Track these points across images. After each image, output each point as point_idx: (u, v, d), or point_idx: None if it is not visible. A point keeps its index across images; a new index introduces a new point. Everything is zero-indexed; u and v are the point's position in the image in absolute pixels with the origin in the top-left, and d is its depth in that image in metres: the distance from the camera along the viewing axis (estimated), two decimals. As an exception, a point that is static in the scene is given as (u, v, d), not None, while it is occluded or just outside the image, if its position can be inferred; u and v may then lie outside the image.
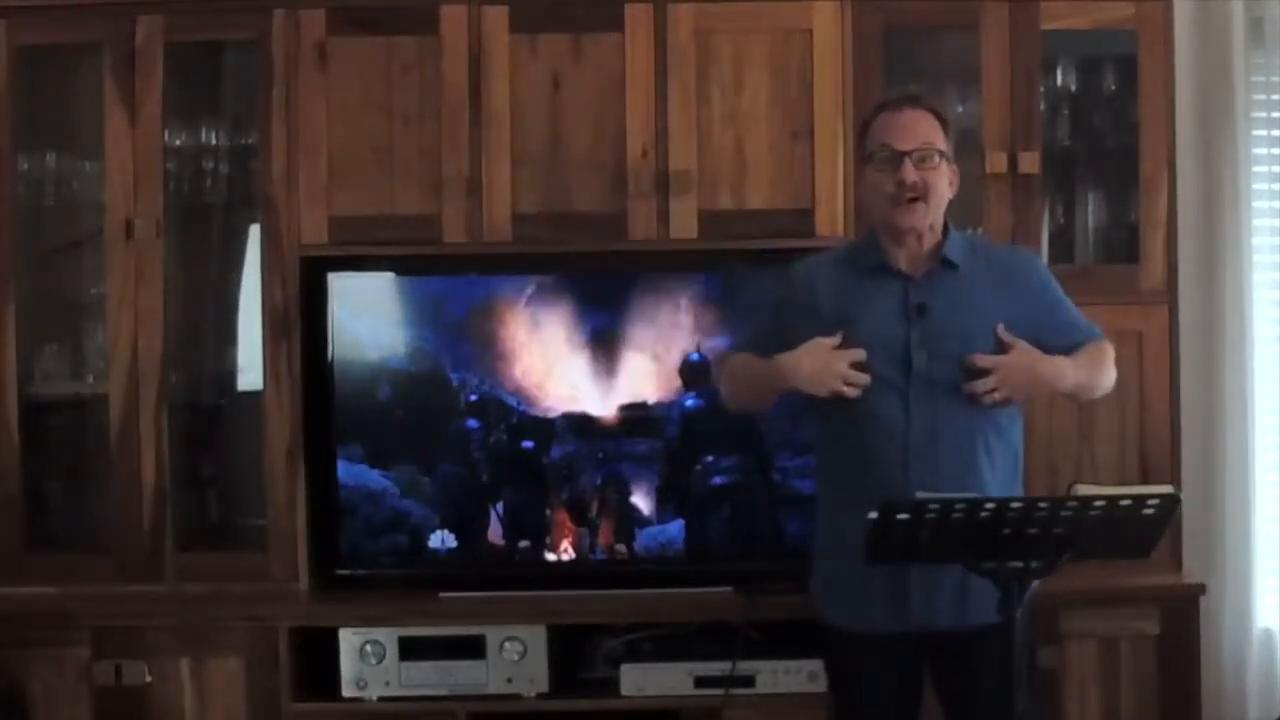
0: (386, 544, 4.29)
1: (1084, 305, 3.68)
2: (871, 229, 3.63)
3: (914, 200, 3.48)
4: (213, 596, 4.21)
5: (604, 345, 4.28)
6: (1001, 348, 3.50)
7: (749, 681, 4.10)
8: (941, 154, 3.51)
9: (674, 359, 4.26)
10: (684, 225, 4.22)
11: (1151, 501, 3.21)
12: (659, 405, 4.27)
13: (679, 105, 4.22)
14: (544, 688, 4.13)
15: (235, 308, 4.40)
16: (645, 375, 4.27)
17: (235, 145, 4.42)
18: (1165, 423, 4.23)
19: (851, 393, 3.47)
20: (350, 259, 4.28)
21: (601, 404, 4.28)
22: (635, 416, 4.27)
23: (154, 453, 4.26)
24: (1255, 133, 4.53)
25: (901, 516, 3.16)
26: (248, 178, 4.38)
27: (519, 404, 4.28)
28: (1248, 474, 4.50)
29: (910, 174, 3.48)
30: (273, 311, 4.26)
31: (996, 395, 3.47)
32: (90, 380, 4.37)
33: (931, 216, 3.53)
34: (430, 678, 4.13)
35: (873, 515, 3.16)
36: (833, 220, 4.20)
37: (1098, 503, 3.21)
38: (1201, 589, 4.19)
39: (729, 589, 4.15)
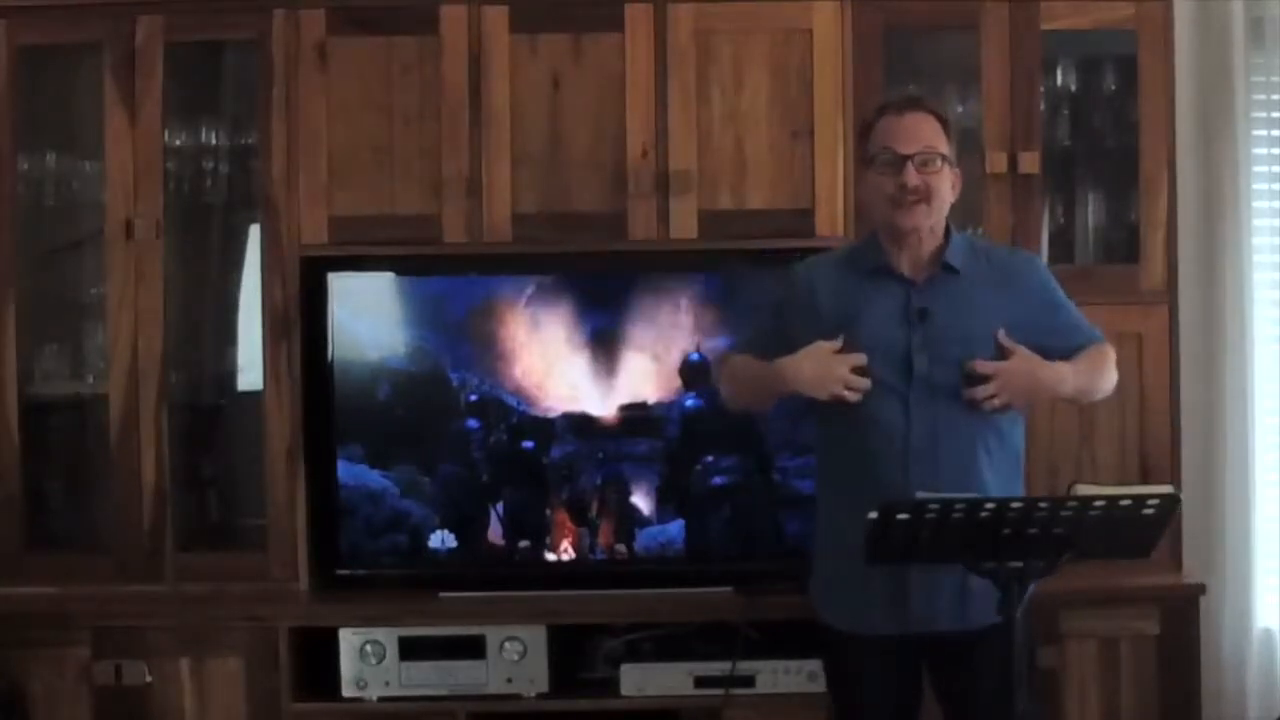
0: (386, 544, 4.29)
1: (1084, 305, 3.67)
2: (873, 231, 3.63)
3: (916, 201, 3.48)
4: (213, 596, 4.21)
5: (604, 345, 4.27)
6: (1002, 353, 3.50)
7: (749, 681, 4.10)
8: (944, 157, 3.51)
9: (674, 359, 4.26)
10: (684, 225, 4.22)
11: (1151, 501, 3.21)
12: (659, 405, 4.27)
13: (679, 105, 4.23)
14: (544, 688, 4.13)
15: (235, 308, 4.40)
16: (645, 375, 4.27)
17: (235, 145, 4.42)
18: (1165, 423, 4.23)
19: (852, 397, 3.47)
20: (350, 259, 4.28)
21: (601, 404, 4.28)
22: (635, 416, 4.27)
23: (154, 453, 4.26)
24: (1255, 133, 4.53)
25: (901, 517, 3.16)
26: (248, 178, 4.38)
27: (519, 404, 4.28)
28: (1248, 474, 4.50)
29: (912, 177, 3.47)
30: (273, 311, 4.26)
31: (996, 401, 3.47)
32: (90, 380, 4.37)
33: (933, 218, 3.52)
34: (430, 678, 4.13)
35: (873, 515, 3.16)
36: (833, 220, 4.20)
37: (1098, 503, 3.21)
38: (1201, 589, 4.19)
39: (729, 589, 4.15)
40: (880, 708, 3.59)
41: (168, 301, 4.28)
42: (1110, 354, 3.63)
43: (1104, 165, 4.37)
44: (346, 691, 4.14)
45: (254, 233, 4.32)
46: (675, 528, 4.29)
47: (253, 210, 4.33)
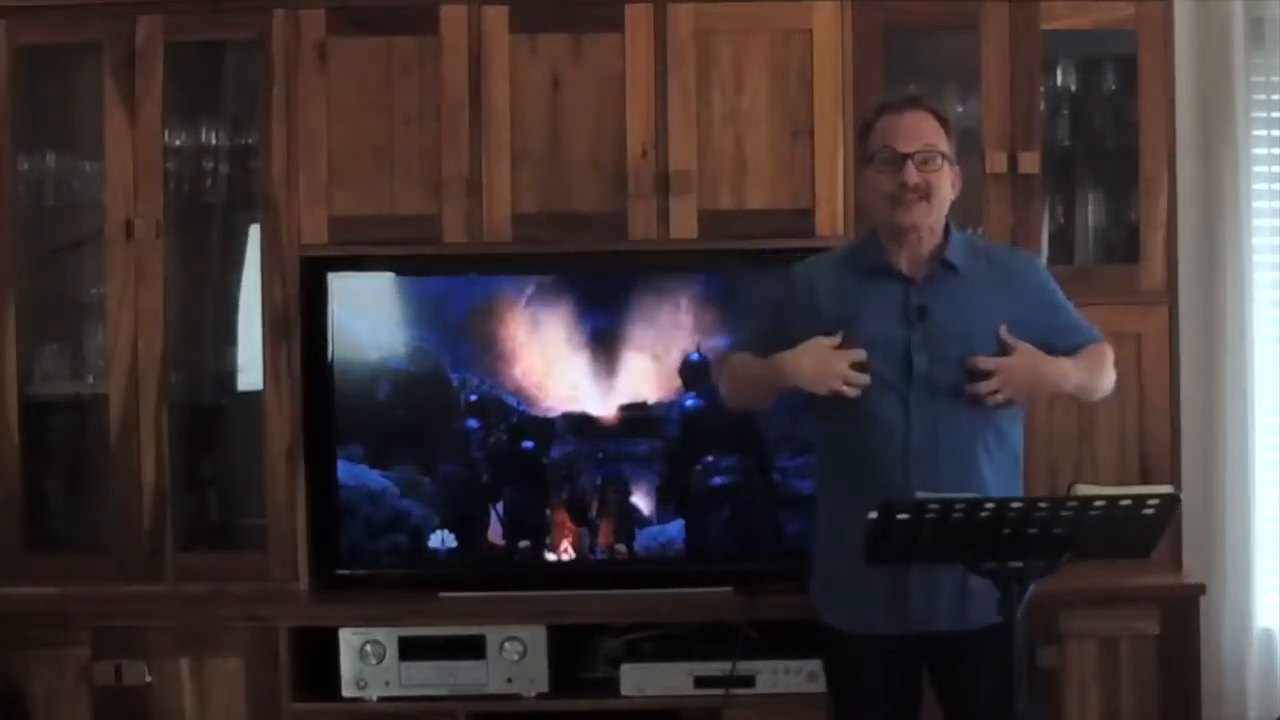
0: (386, 544, 4.29)
1: (1084, 305, 3.68)
2: (872, 230, 3.63)
3: (916, 200, 3.48)
4: (213, 596, 4.21)
5: (604, 345, 4.27)
6: (1003, 349, 3.50)
7: (749, 681, 4.10)
8: (944, 156, 3.51)
9: (674, 359, 4.26)
10: (684, 225, 4.22)
11: (1151, 501, 3.21)
12: (659, 405, 4.27)
13: (679, 105, 4.23)
14: (544, 688, 4.13)
15: (235, 308, 4.40)
16: (645, 375, 4.27)
17: (235, 145, 4.42)
18: (1165, 423, 4.23)
19: (851, 392, 3.47)
20: (350, 259, 4.28)
21: (601, 404, 4.28)
22: (635, 416, 4.27)
23: (154, 453, 4.26)
24: (1255, 133, 4.53)
25: (901, 516, 3.16)
26: (248, 178, 4.38)
27: (519, 404, 4.28)
28: (1248, 474, 4.50)
29: (912, 175, 3.47)
30: (273, 311, 4.26)
31: (999, 397, 3.47)
32: (90, 380, 4.37)
33: (933, 216, 3.52)
34: (430, 678, 4.13)
35: (873, 515, 3.16)
36: (833, 220, 4.20)
37: (1098, 503, 3.21)
38: (1201, 589, 4.19)
39: (729, 589, 4.15)
40: (880, 708, 3.59)
41: (168, 301, 4.28)
42: (1109, 354, 3.63)
43: (1104, 165, 4.37)
44: (346, 691, 4.14)
45: (254, 233, 4.32)
46: (675, 528, 4.29)
47: (253, 210, 4.33)
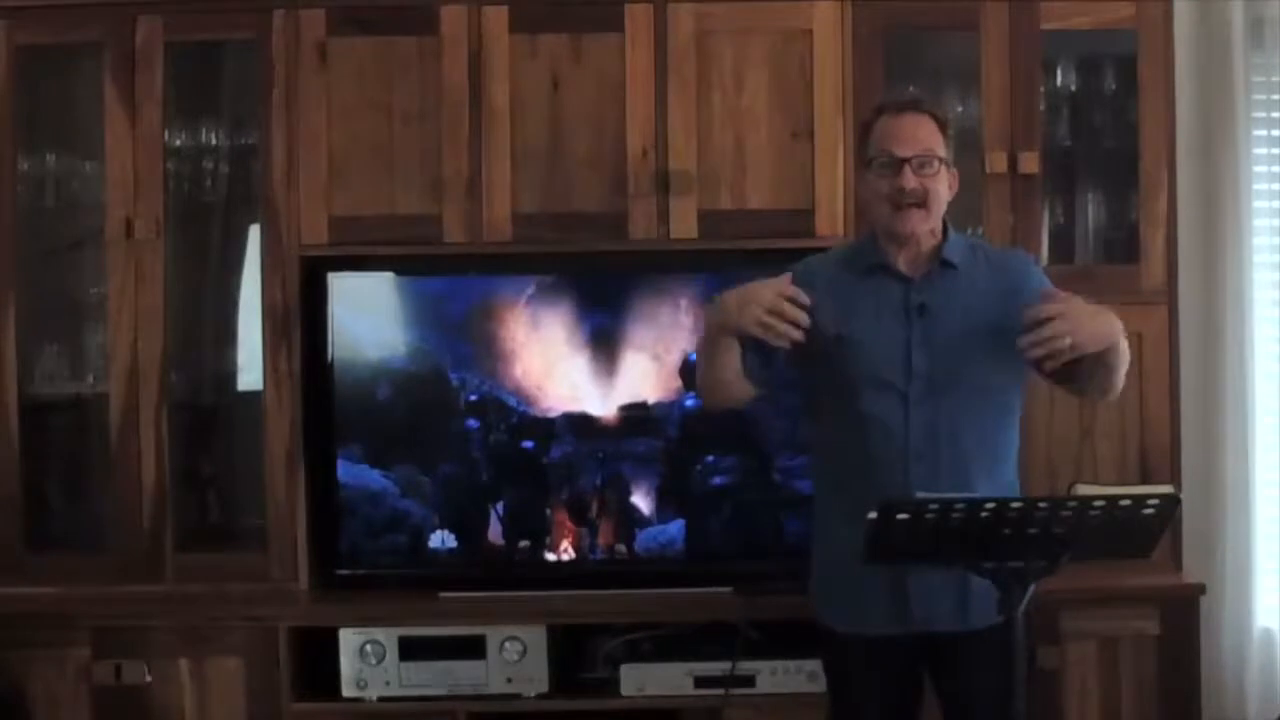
0: (386, 544, 4.29)
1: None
2: (871, 230, 3.63)
3: (913, 205, 3.47)
4: (213, 596, 4.21)
5: (604, 345, 4.28)
6: (1003, 347, 3.48)
7: (749, 681, 4.10)
8: (941, 160, 3.50)
9: (674, 359, 4.26)
10: (684, 225, 4.22)
11: (1151, 501, 3.20)
12: (659, 405, 4.27)
13: (679, 105, 4.23)
14: (544, 688, 4.13)
15: (235, 308, 4.40)
16: (645, 375, 4.27)
17: (235, 145, 4.42)
18: (1165, 423, 4.23)
19: (778, 331, 3.38)
20: (350, 259, 4.29)
21: (601, 404, 4.28)
22: (635, 416, 4.27)
23: (154, 453, 4.26)
24: (1255, 133, 4.54)
25: (901, 516, 3.16)
26: (248, 178, 4.38)
27: (519, 404, 4.28)
28: (1248, 474, 4.50)
29: (910, 181, 3.47)
30: (273, 311, 4.26)
31: (1067, 342, 3.32)
32: (90, 380, 4.37)
33: (930, 221, 3.51)
34: (430, 678, 4.13)
35: (872, 515, 3.15)
36: (833, 220, 4.21)
37: (1098, 503, 3.20)
38: (1201, 589, 4.19)
39: (729, 589, 4.15)
40: (880, 710, 3.59)
41: (168, 301, 4.28)
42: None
43: (1104, 165, 4.37)
44: (346, 691, 4.14)
45: (254, 233, 4.32)
46: (675, 528, 4.29)
47: (253, 210, 4.33)
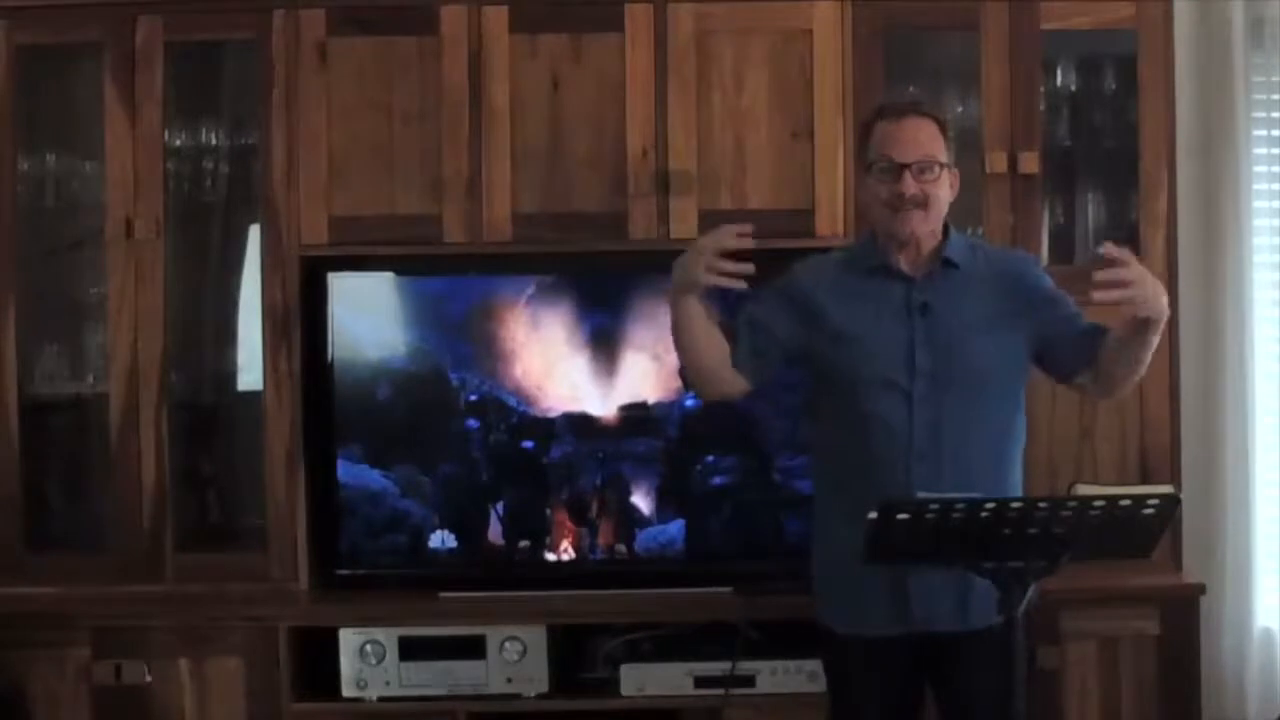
0: (386, 544, 4.29)
1: (1084, 306, 3.67)
2: (871, 232, 3.62)
3: (913, 209, 3.47)
4: (213, 596, 4.21)
5: (604, 345, 4.28)
6: (1007, 345, 3.48)
7: (749, 681, 4.10)
8: (942, 165, 3.50)
9: (674, 359, 4.23)
10: (684, 225, 4.22)
11: (1151, 501, 3.20)
12: (659, 405, 4.27)
13: (679, 105, 4.23)
14: (544, 688, 4.13)
15: (235, 308, 4.40)
16: (645, 375, 4.27)
17: (235, 145, 4.42)
18: (1165, 423, 4.23)
19: (726, 269, 3.35)
20: (350, 259, 4.29)
21: (601, 404, 4.28)
22: (635, 416, 4.27)
23: (154, 453, 4.26)
24: (1255, 133, 4.53)
25: (901, 517, 3.16)
26: (248, 178, 4.38)
27: (519, 404, 4.28)
28: (1248, 474, 4.50)
29: (910, 186, 3.46)
30: (273, 311, 4.26)
31: (1130, 291, 3.28)
32: (90, 380, 4.37)
33: (931, 224, 3.51)
34: (430, 678, 4.13)
35: (872, 515, 3.15)
36: (833, 220, 4.21)
37: (1098, 503, 3.20)
38: (1201, 589, 4.19)
39: (729, 589, 4.15)
40: (880, 711, 3.59)
41: (168, 301, 4.28)
42: None
43: (1104, 165, 4.37)
44: (346, 691, 4.14)
45: (254, 233, 4.32)
46: (675, 528, 4.29)
47: (253, 210, 4.33)
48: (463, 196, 4.23)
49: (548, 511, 4.30)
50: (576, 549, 4.30)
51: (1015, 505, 3.18)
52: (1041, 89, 4.26)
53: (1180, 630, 4.13)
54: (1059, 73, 4.35)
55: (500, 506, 4.30)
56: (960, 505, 3.15)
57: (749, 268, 3.37)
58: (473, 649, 4.13)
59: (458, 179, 4.23)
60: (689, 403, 4.23)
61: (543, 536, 4.30)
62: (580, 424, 4.27)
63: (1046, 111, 4.30)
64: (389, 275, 4.32)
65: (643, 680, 4.13)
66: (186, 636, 4.15)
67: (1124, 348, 3.43)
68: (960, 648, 3.49)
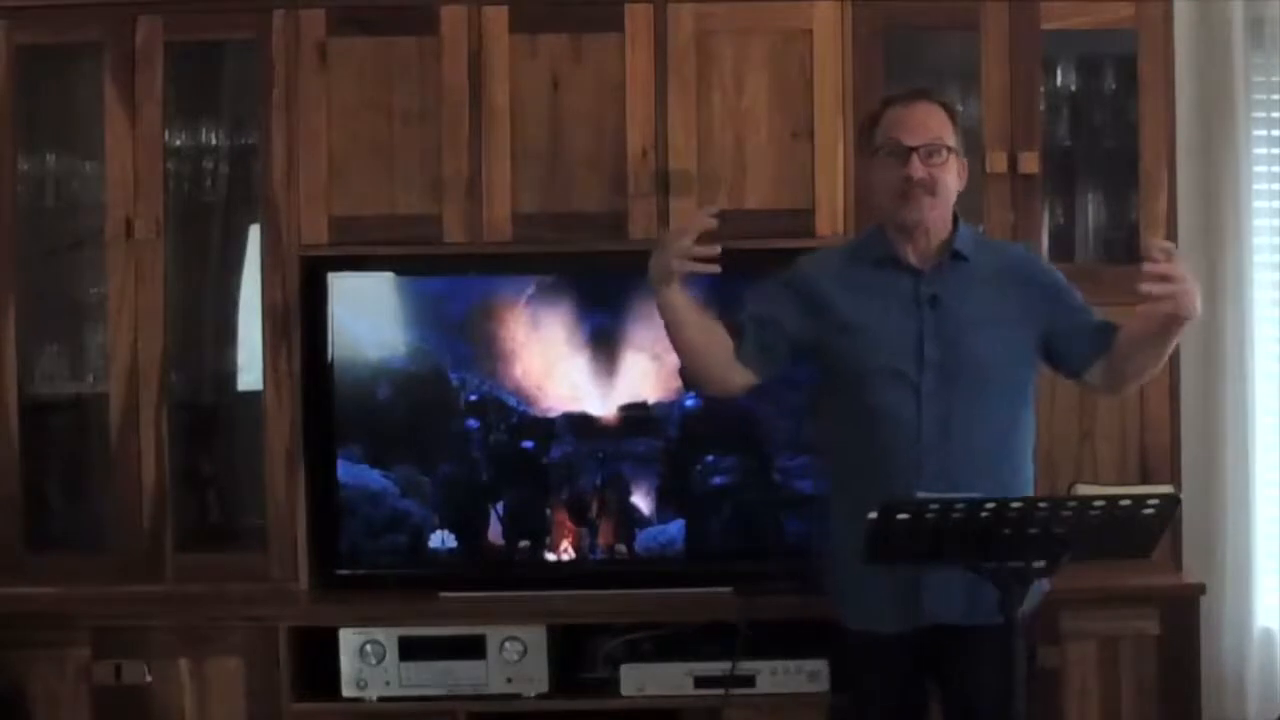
0: (386, 544, 4.29)
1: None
2: (877, 224, 3.61)
3: (921, 194, 3.45)
4: (213, 596, 4.21)
5: (604, 345, 4.27)
6: (1016, 338, 3.47)
7: (749, 681, 4.10)
8: (950, 149, 3.49)
9: (674, 359, 4.24)
10: (684, 225, 4.22)
11: (1151, 501, 3.21)
12: (659, 405, 4.27)
13: (679, 105, 4.23)
14: (544, 688, 4.13)
15: (235, 308, 4.40)
16: (645, 375, 4.27)
17: (235, 145, 4.42)
18: (1165, 423, 4.22)
19: (697, 254, 3.35)
20: (350, 259, 4.29)
21: (601, 404, 4.28)
22: (635, 416, 4.27)
23: (154, 453, 4.26)
24: (1255, 133, 4.53)
25: (901, 517, 3.16)
26: (248, 178, 4.38)
27: (519, 404, 4.28)
28: (1248, 474, 4.50)
29: (917, 170, 3.45)
30: (273, 311, 4.26)
31: (1173, 287, 3.29)
32: (90, 380, 4.37)
33: (939, 209, 3.49)
34: (430, 678, 4.13)
35: (872, 515, 3.15)
36: (833, 220, 4.20)
37: (1098, 503, 3.20)
38: (1201, 589, 4.19)
39: (729, 589, 4.15)
40: (890, 709, 3.58)
41: (168, 301, 4.28)
42: None
43: (1104, 165, 4.37)
44: (346, 691, 4.14)
45: (254, 233, 4.32)
46: (675, 528, 4.29)
47: (253, 210, 4.33)
48: (463, 196, 4.23)
49: (548, 511, 4.30)
50: (576, 549, 4.30)
51: (1015, 505, 3.18)
52: (1041, 89, 4.26)
53: (1180, 630, 4.13)
54: (1059, 73, 4.35)
55: (500, 506, 4.30)
56: (960, 505, 3.15)
57: (715, 250, 3.35)
58: (473, 649, 4.13)
59: (458, 179, 4.23)
60: (689, 403, 4.24)
61: (543, 536, 4.30)
62: (580, 424, 4.27)
63: (1046, 111, 4.30)
64: (389, 275, 4.32)
65: (643, 680, 4.13)
66: (186, 636, 4.15)
67: (1143, 344, 3.44)
68: (965, 642, 3.48)
